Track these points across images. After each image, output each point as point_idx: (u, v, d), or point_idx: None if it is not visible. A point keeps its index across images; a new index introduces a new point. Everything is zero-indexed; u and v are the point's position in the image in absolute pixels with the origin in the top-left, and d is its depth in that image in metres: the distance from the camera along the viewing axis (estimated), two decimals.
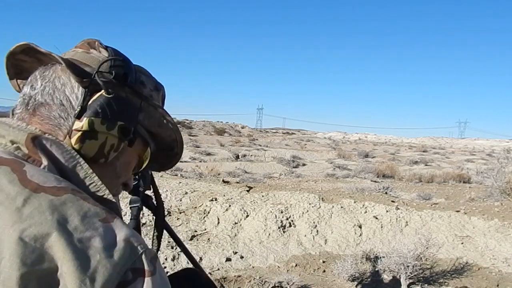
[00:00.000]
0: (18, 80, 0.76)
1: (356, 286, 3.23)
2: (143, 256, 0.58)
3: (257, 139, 39.67)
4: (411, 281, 3.23)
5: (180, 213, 4.29)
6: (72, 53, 0.73)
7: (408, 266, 3.20)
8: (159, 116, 0.78)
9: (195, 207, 4.44)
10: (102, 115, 0.67)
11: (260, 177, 9.87)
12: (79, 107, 0.66)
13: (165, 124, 0.79)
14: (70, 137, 0.66)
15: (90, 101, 0.67)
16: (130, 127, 0.71)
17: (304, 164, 17.22)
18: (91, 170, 0.65)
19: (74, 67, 0.67)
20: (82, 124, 0.66)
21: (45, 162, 0.61)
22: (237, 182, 6.87)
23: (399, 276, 3.22)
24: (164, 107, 0.84)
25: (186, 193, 4.97)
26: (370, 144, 49.59)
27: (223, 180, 6.62)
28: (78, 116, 0.66)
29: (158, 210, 1.62)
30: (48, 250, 0.51)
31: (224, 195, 4.90)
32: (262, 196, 4.93)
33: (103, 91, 0.67)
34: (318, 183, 8.63)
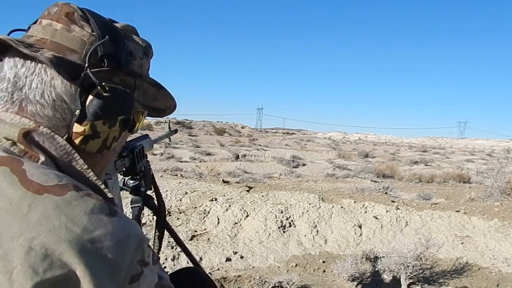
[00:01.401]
0: None
1: (356, 286, 3.23)
2: (145, 248, 0.60)
3: (257, 139, 39.68)
4: (411, 281, 3.23)
5: (180, 213, 4.29)
6: (50, 31, 0.64)
7: (408, 266, 3.19)
8: (154, 91, 0.74)
9: (195, 207, 4.44)
10: (104, 116, 0.64)
11: (260, 177, 9.86)
12: (78, 110, 0.63)
13: (160, 96, 0.76)
14: (72, 139, 0.64)
15: (88, 102, 0.63)
16: (130, 117, 0.69)
17: (304, 164, 17.21)
18: (86, 166, 0.63)
19: (63, 67, 0.61)
20: (84, 128, 0.63)
21: (42, 157, 0.60)
22: (237, 182, 6.87)
23: (399, 276, 3.22)
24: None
25: (186, 193, 4.97)
26: (370, 144, 49.61)
27: (223, 180, 6.61)
28: (79, 121, 0.63)
29: (159, 210, 1.62)
30: (60, 257, 0.50)
31: (224, 195, 4.90)
32: (262, 196, 4.93)
33: (99, 87, 0.62)
34: (318, 183, 8.63)
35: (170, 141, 2.32)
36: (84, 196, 0.56)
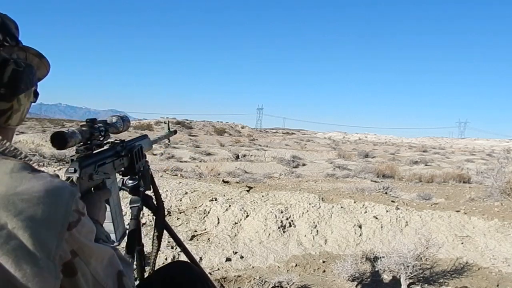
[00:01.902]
0: None
1: (356, 286, 3.23)
2: (79, 197, 0.63)
3: (257, 139, 39.67)
4: (411, 281, 3.23)
5: (180, 213, 4.29)
6: None
7: (408, 266, 3.20)
8: (37, 61, 0.78)
9: (195, 207, 4.44)
10: (24, 89, 0.69)
11: (260, 177, 9.85)
12: (2, 89, 0.67)
13: (42, 66, 0.80)
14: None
15: (7, 78, 0.67)
16: (37, 87, 0.74)
17: (304, 164, 17.20)
18: (4, 140, 0.67)
19: None
20: (10, 104, 0.68)
21: None
22: (237, 182, 6.86)
23: (399, 276, 3.22)
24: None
25: (186, 193, 4.96)
26: (370, 144, 49.58)
27: (223, 180, 6.61)
28: (7, 98, 0.67)
29: (159, 210, 1.62)
30: None
31: (224, 195, 4.90)
32: (262, 196, 4.92)
33: (12, 64, 0.67)
34: (318, 183, 8.62)
35: (169, 141, 2.33)
36: (2, 160, 0.59)
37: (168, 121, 2.28)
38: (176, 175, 7.38)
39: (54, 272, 0.53)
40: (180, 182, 5.60)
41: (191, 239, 3.72)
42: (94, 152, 1.13)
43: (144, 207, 1.58)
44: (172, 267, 1.34)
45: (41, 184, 0.57)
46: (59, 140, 0.92)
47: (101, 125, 1.18)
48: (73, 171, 1.00)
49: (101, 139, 1.18)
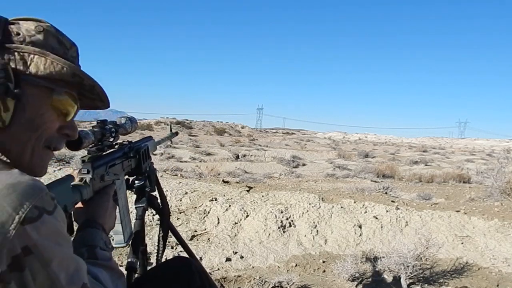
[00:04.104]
0: None
1: (356, 286, 3.23)
2: (45, 195, 0.63)
3: (257, 139, 39.68)
4: (411, 281, 3.23)
5: (180, 213, 4.29)
6: None
7: (408, 266, 3.20)
8: (42, 60, 0.76)
9: (195, 207, 4.44)
10: None
11: (260, 177, 9.86)
12: None
13: (50, 64, 0.77)
14: None
15: None
16: (5, 84, 0.71)
17: (304, 164, 17.20)
18: None
19: None
20: None
21: None
22: (237, 182, 6.87)
23: (399, 276, 3.22)
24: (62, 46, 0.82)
25: (186, 193, 4.97)
26: (370, 144, 49.59)
27: (223, 180, 6.61)
28: None
29: (164, 211, 1.62)
30: None
31: (224, 195, 4.90)
32: (262, 196, 4.93)
33: None
34: (318, 183, 8.63)
35: (171, 142, 2.36)
36: None
37: (171, 123, 2.32)
38: (176, 175, 7.38)
39: None
40: (180, 182, 5.60)
41: (191, 239, 3.72)
42: (104, 153, 1.15)
43: (149, 208, 1.59)
44: (171, 262, 1.35)
45: (5, 179, 0.60)
46: (74, 141, 0.93)
47: (111, 126, 1.20)
48: (86, 172, 1.01)
49: (111, 140, 1.19)
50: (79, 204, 1.03)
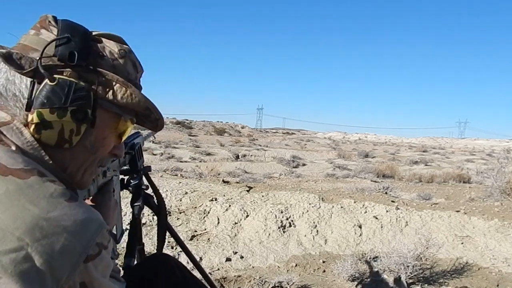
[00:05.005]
0: None
1: (356, 286, 3.23)
2: (105, 231, 0.64)
3: (257, 139, 39.74)
4: (411, 281, 3.24)
5: (180, 213, 4.30)
6: (24, 37, 0.72)
7: (408, 266, 3.21)
8: (123, 90, 0.75)
9: (195, 207, 4.45)
10: (49, 105, 0.67)
11: (260, 177, 9.87)
12: (26, 99, 0.67)
13: (129, 95, 0.76)
14: (29, 128, 0.68)
15: (38, 91, 0.67)
16: (85, 110, 0.70)
17: (304, 164, 17.22)
18: (51, 161, 0.67)
19: (10, 61, 0.66)
20: (32, 117, 0.67)
21: (13, 147, 0.64)
22: (237, 182, 6.87)
23: (399, 276, 3.23)
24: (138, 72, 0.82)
25: (186, 193, 4.97)
26: (370, 144, 49.66)
27: (223, 180, 6.62)
28: (27, 109, 0.67)
29: (160, 210, 1.61)
30: (14, 233, 0.52)
31: (224, 195, 4.91)
32: (262, 196, 4.93)
33: (47, 79, 0.67)
34: (318, 183, 8.63)
35: (154, 138, 2.34)
36: (46, 182, 0.60)
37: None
38: (176, 175, 7.39)
39: None
40: (180, 182, 5.61)
41: (191, 239, 3.72)
42: None
43: (145, 206, 1.58)
44: (149, 260, 1.35)
45: (72, 214, 0.58)
46: None
47: None
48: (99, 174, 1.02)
49: None
50: (87, 201, 1.05)
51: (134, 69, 0.81)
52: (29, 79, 0.68)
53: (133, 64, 0.80)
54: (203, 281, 1.64)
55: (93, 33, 0.76)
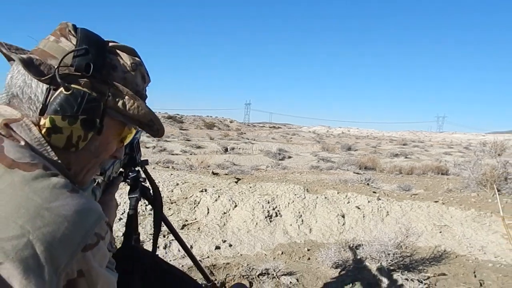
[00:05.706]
0: None
1: (339, 273, 3.30)
2: (104, 223, 0.67)
3: (245, 133, 39.72)
4: (391, 268, 3.28)
5: (172, 203, 4.36)
6: (44, 42, 0.75)
7: (389, 254, 3.29)
8: (131, 102, 0.79)
9: (186, 198, 4.51)
10: (62, 112, 0.71)
11: (248, 169, 9.94)
12: (41, 104, 0.71)
13: (136, 108, 0.79)
14: (40, 130, 0.71)
15: (52, 98, 0.71)
16: (94, 119, 0.74)
17: (289, 157, 17.36)
18: (56, 158, 0.71)
19: (30, 67, 0.70)
20: (44, 121, 0.71)
21: (22, 142, 0.68)
22: (226, 174, 6.94)
23: (381, 263, 3.31)
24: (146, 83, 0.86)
25: (177, 184, 5.04)
26: (353, 137, 50.16)
27: (212, 172, 6.68)
28: (41, 113, 0.71)
29: (156, 201, 1.67)
30: (16, 221, 0.55)
31: (213, 186, 4.98)
32: (250, 187, 5.02)
33: (62, 87, 0.70)
34: (303, 175, 8.75)
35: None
36: (51, 175, 0.63)
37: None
38: (168, 167, 7.42)
39: (55, 286, 0.56)
40: (171, 174, 5.66)
41: (182, 228, 3.79)
42: None
43: (142, 198, 1.64)
44: (116, 255, 1.40)
45: (73, 204, 0.61)
46: None
47: None
48: (98, 174, 1.07)
49: None
50: None
51: (143, 80, 0.85)
52: (45, 85, 0.71)
53: (142, 76, 0.84)
54: (193, 267, 1.67)
55: (109, 44, 0.79)
